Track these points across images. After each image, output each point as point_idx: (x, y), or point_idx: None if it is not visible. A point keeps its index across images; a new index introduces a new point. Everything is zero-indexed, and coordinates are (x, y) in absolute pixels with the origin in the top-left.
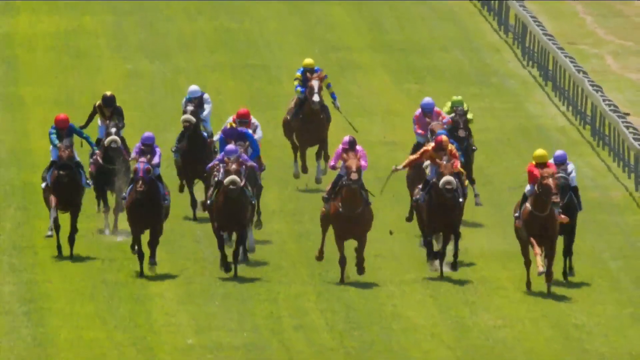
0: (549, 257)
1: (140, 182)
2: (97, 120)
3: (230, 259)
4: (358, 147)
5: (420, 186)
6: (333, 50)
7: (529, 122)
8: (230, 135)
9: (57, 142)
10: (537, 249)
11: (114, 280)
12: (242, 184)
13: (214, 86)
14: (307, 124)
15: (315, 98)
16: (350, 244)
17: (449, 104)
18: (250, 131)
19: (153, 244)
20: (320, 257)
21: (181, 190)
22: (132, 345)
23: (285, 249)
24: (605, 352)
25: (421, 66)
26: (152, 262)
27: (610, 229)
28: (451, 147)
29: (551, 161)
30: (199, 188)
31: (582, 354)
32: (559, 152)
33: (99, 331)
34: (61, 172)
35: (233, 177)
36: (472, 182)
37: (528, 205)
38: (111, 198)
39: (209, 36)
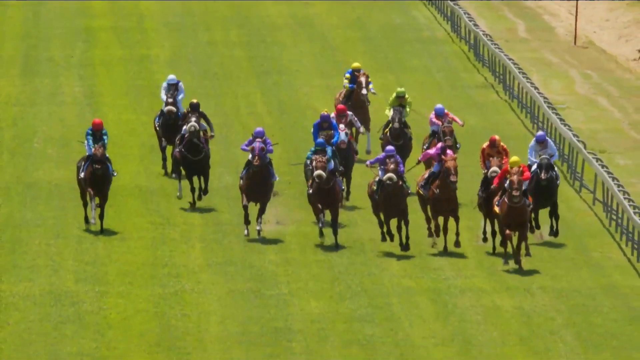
0: (522, 237)
1: (257, 157)
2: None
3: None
4: (449, 152)
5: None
6: None
7: None
8: (323, 119)
9: (92, 143)
10: (509, 232)
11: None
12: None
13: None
14: (356, 109)
15: (364, 91)
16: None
17: (394, 94)
18: (337, 124)
19: (261, 211)
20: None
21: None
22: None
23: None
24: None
25: None
26: (259, 230)
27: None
28: (503, 144)
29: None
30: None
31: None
32: (540, 132)
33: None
34: (96, 166)
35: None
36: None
37: (506, 199)
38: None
39: None
